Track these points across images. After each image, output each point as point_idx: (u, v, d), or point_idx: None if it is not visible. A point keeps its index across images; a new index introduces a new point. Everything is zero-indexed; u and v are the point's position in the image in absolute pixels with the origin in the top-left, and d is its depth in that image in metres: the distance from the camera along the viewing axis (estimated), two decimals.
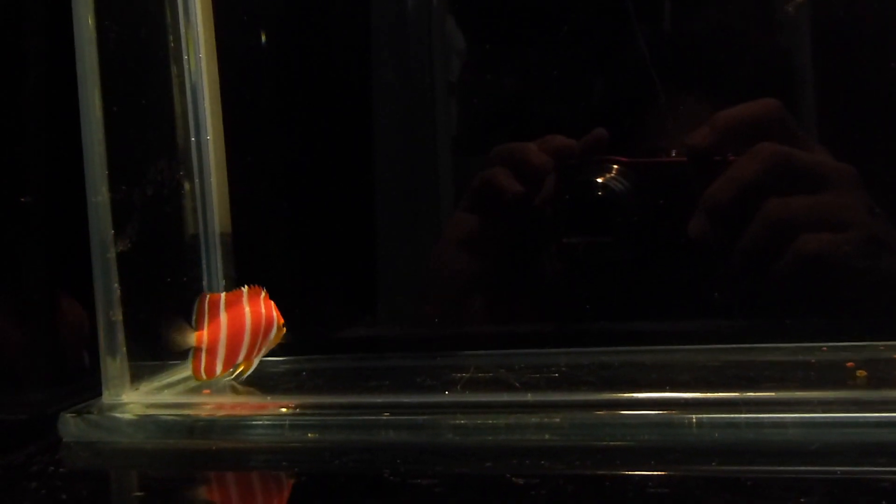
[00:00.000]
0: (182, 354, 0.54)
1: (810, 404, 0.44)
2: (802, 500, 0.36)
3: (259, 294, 0.54)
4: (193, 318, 0.53)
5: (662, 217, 0.60)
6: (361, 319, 0.67)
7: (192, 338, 0.53)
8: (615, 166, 0.61)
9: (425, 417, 0.46)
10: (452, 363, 0.60)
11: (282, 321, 0.54)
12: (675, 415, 0.44)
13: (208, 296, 0.54)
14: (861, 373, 0.51)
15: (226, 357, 0.53)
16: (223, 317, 0.52)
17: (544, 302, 0.64)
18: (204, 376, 0.53)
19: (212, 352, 0.53)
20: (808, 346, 0.57)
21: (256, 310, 0.54)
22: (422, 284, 0.67)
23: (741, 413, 0.44)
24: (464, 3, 0.66)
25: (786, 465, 0.41)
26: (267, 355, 0.60)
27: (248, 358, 0.54)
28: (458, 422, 0.46)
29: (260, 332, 0.53)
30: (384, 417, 0.47)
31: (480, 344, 0.63)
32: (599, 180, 0.60)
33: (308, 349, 0.65)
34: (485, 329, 0.65)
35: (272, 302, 0.54)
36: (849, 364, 0.53)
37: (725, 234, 0.59)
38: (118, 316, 0.53)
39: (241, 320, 0.53)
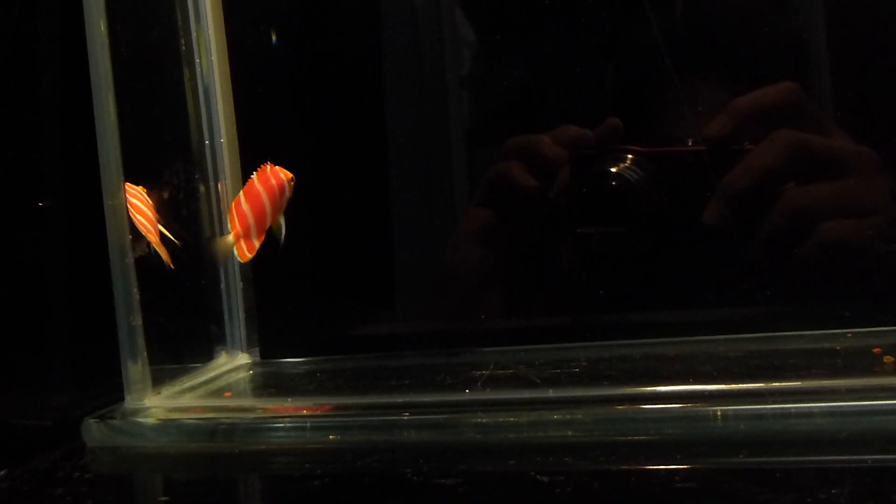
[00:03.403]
0: None
1: (838, 392, 0.43)
2: (834, 490, 0.36)
3: (265, 168, 0.58)
4: (228, 224, 0.58)
5: (680, 206, 0.59)
6: (379, 316, 0.67)
7: (230, 239, 0.58)
8: (630, 156, 0.60)
9: (446, 416, 0.46)
10: (472, 360, 0.60)
11: (290, 176, 0.58)
12: (699, 407, 0.44)
13: (234, 202, 0.58)
14: (888, 358, 0.50)
15: (257, 233, 0.58)
16: (245, 205, 0.57)
17: (562, 294, 0.63)
18: (249, 255, 0.58)
19: (247, 237, 0.58)
20: (833, 333, 0.56)
21: (266, 181, 0.57)
22: (438, 280, 0.67)
23: (767, 404, 0.43)
24: None
25: (815, 455, 0.41)
26: (286, 356, 0.60)
27: (275, 219, 0.58)
28: (479, 420, 0.45)
29: (275, 196, 0.58)
30: (405, 417, 0.47)
31: (498, 338, 0.63)
32: (614, 170, 0.59)
33: (327, 348, 0.65)
34: (502, 323, 0.64)
35: (277, 168, 0.58)
36: (875, 350, 0.52)
37: (745, 222, 0.58)
38: (138, 321, 0.53)
39: (258, 198, 0.57)
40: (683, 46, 0.60)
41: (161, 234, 0.56)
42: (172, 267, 0.56)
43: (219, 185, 0.65)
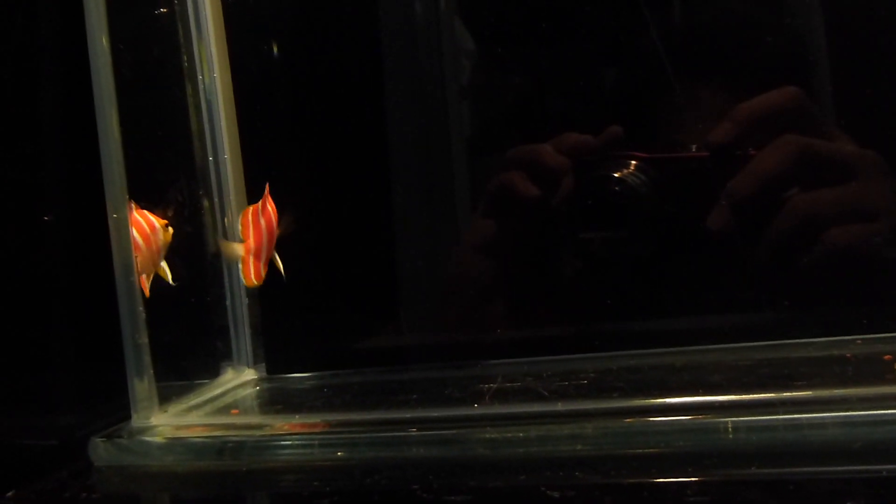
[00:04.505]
0: None
1: (850, 402, 0.43)
2: (849, 502, 0.35)
3: (266, 194, 0.56)
4: (239, 231, 0.56)
5: (683, 212, 0.59)
6: (384, 330, 0.67)
7: (240, 249, 0.55)
8: (633, 162, 0.60)
9: (455, 432, 0.46)
10: (479, 373, 0.60)
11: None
12: (709, 419, 0.43)
13: (251, 209, 0.56)
14: None
15: (266, 260, 0.55)
16: (263, 223, 0.55)
17: (566, 304, 0.63)
18: (255, 281, 0.56)
19: (258, 257, 0.55)
20: (842, 340, 0.56)
21: (272, 204, 0.55)
22: (443, 292, 0.66)
23: (778, 414, 0.43)
24: (471, 5, 0.65)
25: (828, 465, 0.40)
26: (293, 371, 0.60)
27: (269, 254, 0.56)
28: (488, 435, 0.45)
29: (272, 225, 0.56)
30: (413, 433, 0.46)
31: (504, 350, 0.62)
32: (616, 175, 0.59)
33: (333, 362, 0.65)
34: (508, 334, 0.64)
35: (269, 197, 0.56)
36: (886, 357, 0.52)
37: (750, 228, 0.58)
38: (144, 338, 0.53)
39: (270, 219, 0.55)
40: (684, 52, 0.59)
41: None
42: (173, 284, 0.55)
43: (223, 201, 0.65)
